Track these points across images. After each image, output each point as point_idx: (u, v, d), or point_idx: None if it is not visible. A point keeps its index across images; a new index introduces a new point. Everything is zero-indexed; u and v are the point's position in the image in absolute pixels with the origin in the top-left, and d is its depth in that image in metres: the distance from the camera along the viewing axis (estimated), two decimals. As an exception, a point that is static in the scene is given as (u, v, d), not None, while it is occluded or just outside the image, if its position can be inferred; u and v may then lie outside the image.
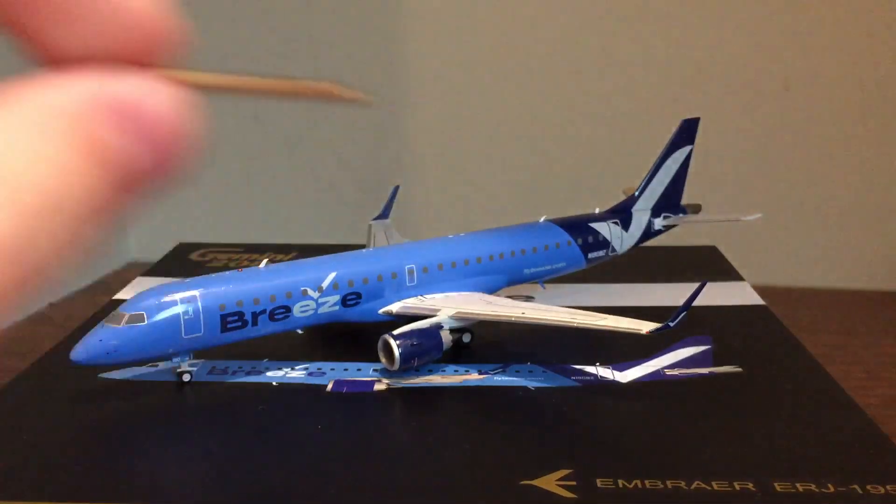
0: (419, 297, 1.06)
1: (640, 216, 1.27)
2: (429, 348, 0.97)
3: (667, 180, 1.28)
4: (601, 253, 1.23)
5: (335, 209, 1.83)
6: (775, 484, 0.74)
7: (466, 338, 1.06)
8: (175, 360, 0.95)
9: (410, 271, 1.06)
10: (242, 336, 0.96)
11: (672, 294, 1.20)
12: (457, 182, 1.80)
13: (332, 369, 0.99)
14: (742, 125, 1.68)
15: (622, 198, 1.28)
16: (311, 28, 1.76)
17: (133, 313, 0.90)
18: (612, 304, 1.19)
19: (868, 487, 0.73)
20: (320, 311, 1.00)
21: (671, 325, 0.88)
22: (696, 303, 0.90)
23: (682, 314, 0.89)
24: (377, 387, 0.95)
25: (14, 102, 0.29)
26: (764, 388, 0.93)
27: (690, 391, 0.93)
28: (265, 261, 1.03)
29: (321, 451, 0.81)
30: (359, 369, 0.99)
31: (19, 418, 0.89)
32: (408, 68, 1.76)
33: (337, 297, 1.01)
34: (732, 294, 1.24)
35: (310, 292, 0.99)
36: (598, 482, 0.74)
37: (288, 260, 1.19)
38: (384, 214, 1.32)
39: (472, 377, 0.97)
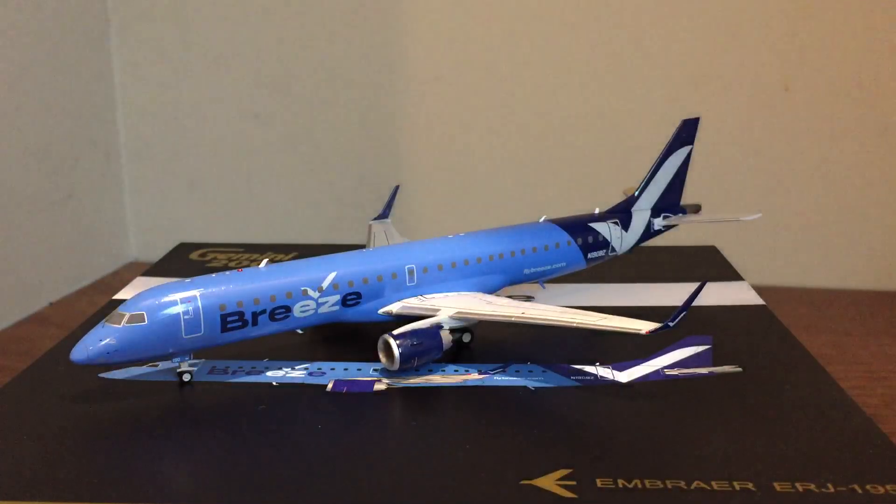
0: (419, 297, 1.06)
1: (640, 216, 1.27)
2: (429, 348, 0.97)
3: (666, 180, 1.28)
4: (601, 253, 1.23)
5: (335, 209, 1.83)
6: (775, 484, 0.74)
7: (466, 338, 1.06)
8: (175, 360, 0.95)
9: (410, 271, 1.06)
10: (242, 336, 0.96)
11: (672, 294, 1.20)
12: (457, 182, 1.80)
13: (333, 369, 0.99)
14: (742, 125, 1.68)
15: (622, 198, 1.28)
16: (312, 27, 1.76)
17: (133, 313, 0.90)
18: (612, 304, 1.19)
19: (868, 487, 0.73)
20: (320, 311, 1.00)
21: (671, 325, 0.88)
22: (696, 303, 0.90)
23: (682, 314, 0.89)
24: (377, 387, 0.95)
25: None
26: (764, 388, 0.93)
27: (690, 391, 0.93)
28: (265, 261, 1.03)
29: (321, 451, 0.81)
30: (359, 369, 0.99)
31: (19, 418, 0.89)
32: (408, 68, 1.76)
33: (337, 297, 1.01)
34: (732, 294, 1.24)
35: (310, 292, 0.99)
36: (598, 482, 0.74)
37: (288, 260, 1.19)
38: (384, 214, 1.32)
39: (472, 377, 0.97)
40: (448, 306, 1.03)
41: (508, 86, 1.74)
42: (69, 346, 0.92)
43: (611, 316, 0.95)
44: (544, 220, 1.22)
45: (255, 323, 0.96)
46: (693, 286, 0.90)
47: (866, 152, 1.65)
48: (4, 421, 0.88)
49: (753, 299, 1.23)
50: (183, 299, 0.92)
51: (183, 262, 1.46)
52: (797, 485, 0.74)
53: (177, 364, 0.95)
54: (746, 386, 0.94)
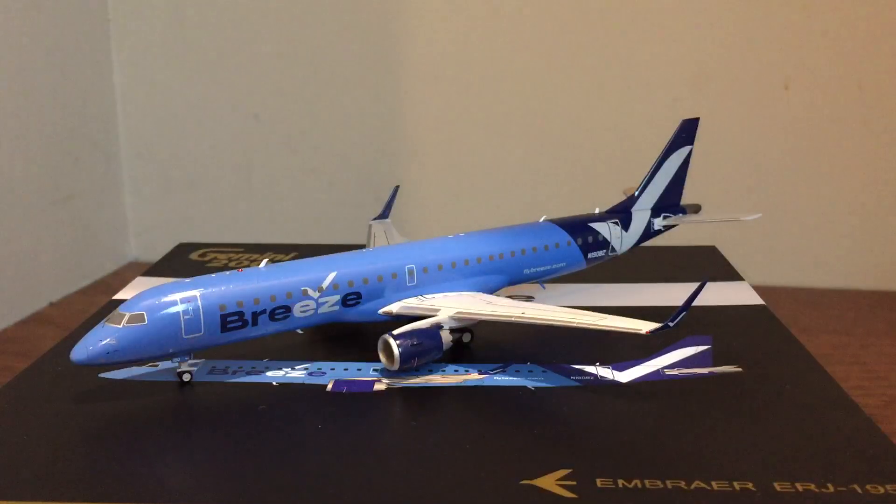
0: (419, 297, 1.06)
1: (640, 216, 1.27)
2: (429, 348, 0.97)
3: (666, 180, 1.28)
4: (601, 253, 1.23)
5: (335, 209, 1.83)
6: (775, 484, 0.74)
7: (466, 338, 1.06)
8: (175, 360, 0.95)
9: (410, 271, 1.06)
10: (242, 336, 0.96)
11: (672, 294, 1.20)
12: (457, 182, 1.80)
13: (332, 369, 0.99)
14: (742, 125, 1.68)
15: (622, 198, 1.28)
16: (312, 27, 1.76)
17: (133, 313, 0.90)
18: (612, 304, 1.19)
19: (868, 487, 0.73)
20: (320, 311, 1.00)
21: (671, 325, 0.88)
22: (696, 303, 0.90)
23: (682, 314, 0.89)
24: (377, 387, 0.95)
25: None
26: (764, 388, 0.93)
27: (690, 391, 0.93)
28: (265, 261, 1.03)
29: (321, 451, 0.81)
30: (359, 369, 0.99)
31: (19, 418, 0.89)
32: (408, 68, 1.76)
33: (337, 297, 1.01)
34: (732, 294, 1.24)
35: (310, 292, 0.99)
36: (598, 482, 0.74)
37: (288, 260, 1.19)
38: (384, 214, 1.32)
39: (472, 377, 0.97)
40: (448, 306, 1.03)
41: (508, 86, 1.74)
42: (69, 346, 0.92)
43: (611, 316, 0.95)
44: (544, 220, 1.22)
45: (255, 323, 0.96)
46: (693, 286, 0.90)
47: (866, 152, 1.65)
48: (4, 421, 0.88)
49: (753, 299, 1.23)
50: (183, 299, 0.92)
51: (183, 262, 1.46)
52: (797, 485, 0.74)
53: (177, 364, 0.95)
54: (746, 386, 0.94)
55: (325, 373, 0.98)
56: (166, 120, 1.84)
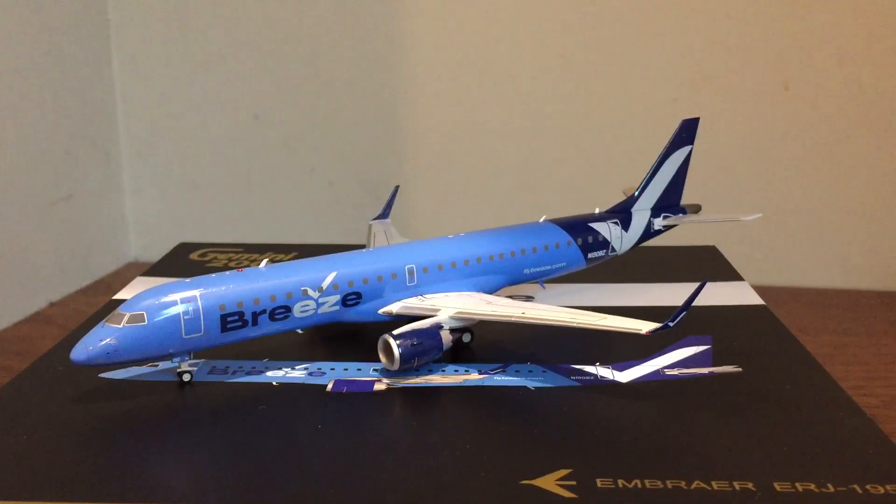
0: (419, 297, 1.06)
1: (640, 216, 1.27)
2: (429, 348, 0.97)
3: (666, 180, 1.28)
4: (601, 253, 1.23)
5: (335, 209, 1.83)
6: (775, 484, 0.74)
7: (466, 338, 1.06)
8: (175, 360, 0.95)
9: (410, 271, 1.06)
10: (242, 336, 0.96)
11: (672, 294, 1.20)
12: (457, 182, 1.80)
13: (332, 369, 1.00)
14: (742, 125, 1.68)
15: (622, 198, 1.28)
16: (311, 27, 1.76)
17: (133, 313, 0.90)
18: (612, 304, 1.19)
19: (868, 487, 0.73)
20: (320, 311, 1.00)
21: (671, 325, 0.88)
22: (696, 303, 0.90)
23: (682, 314, 0.89)
24: (377, 387, 0.95)
25: None
26: (764, 388, 0.93)
27: (690, 391, 0.93)
28: (265, 261, 1.03)
29: (321, 451, 0.81)
30: (359, 369, 0.99)
31: (19, 418, 0.89)
32: (408, 68, 1.76)
33: (337, 297, 1.01)
34: (732, 294, 1.24)
35: (310, 292, 0.99)
36: (598, 482, 0.74)
37: (288, 260, 1.19)
38: (384, 214, 1.32)
39: (472, 377, 0.97)
40: (448, 306, 1.03)
41: (508, 86, 1.74)
42: (69, 346, 0.92)
43: (611, 316, 0.95)
44: (544, 220, 1.22)
45: (255, 323, 0.96)
46: (693, 286, 0.90)
47: (866, 152, 1.65)
48: (4, 421, 0.88)
49: (753, 299, 1.23)
50: (183, 299, 0.92)
51: (183, 262, 1.46)
52: (797, 485, 0.74)
53: (177, 364, 0.95)
54: (746, 386, 0.94)
55: (325, 373, 0.98)
56: (166, 120, 1.84)
